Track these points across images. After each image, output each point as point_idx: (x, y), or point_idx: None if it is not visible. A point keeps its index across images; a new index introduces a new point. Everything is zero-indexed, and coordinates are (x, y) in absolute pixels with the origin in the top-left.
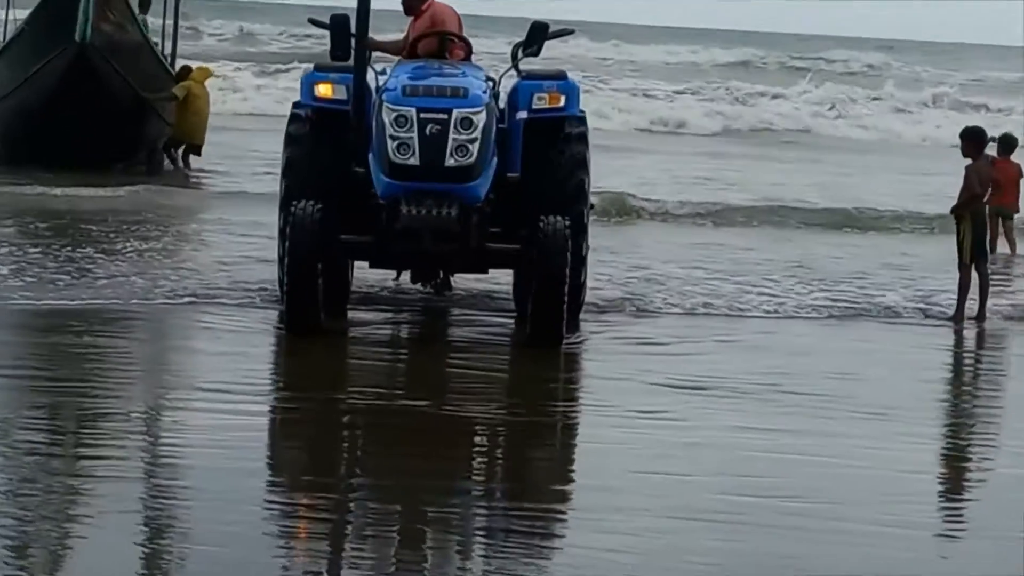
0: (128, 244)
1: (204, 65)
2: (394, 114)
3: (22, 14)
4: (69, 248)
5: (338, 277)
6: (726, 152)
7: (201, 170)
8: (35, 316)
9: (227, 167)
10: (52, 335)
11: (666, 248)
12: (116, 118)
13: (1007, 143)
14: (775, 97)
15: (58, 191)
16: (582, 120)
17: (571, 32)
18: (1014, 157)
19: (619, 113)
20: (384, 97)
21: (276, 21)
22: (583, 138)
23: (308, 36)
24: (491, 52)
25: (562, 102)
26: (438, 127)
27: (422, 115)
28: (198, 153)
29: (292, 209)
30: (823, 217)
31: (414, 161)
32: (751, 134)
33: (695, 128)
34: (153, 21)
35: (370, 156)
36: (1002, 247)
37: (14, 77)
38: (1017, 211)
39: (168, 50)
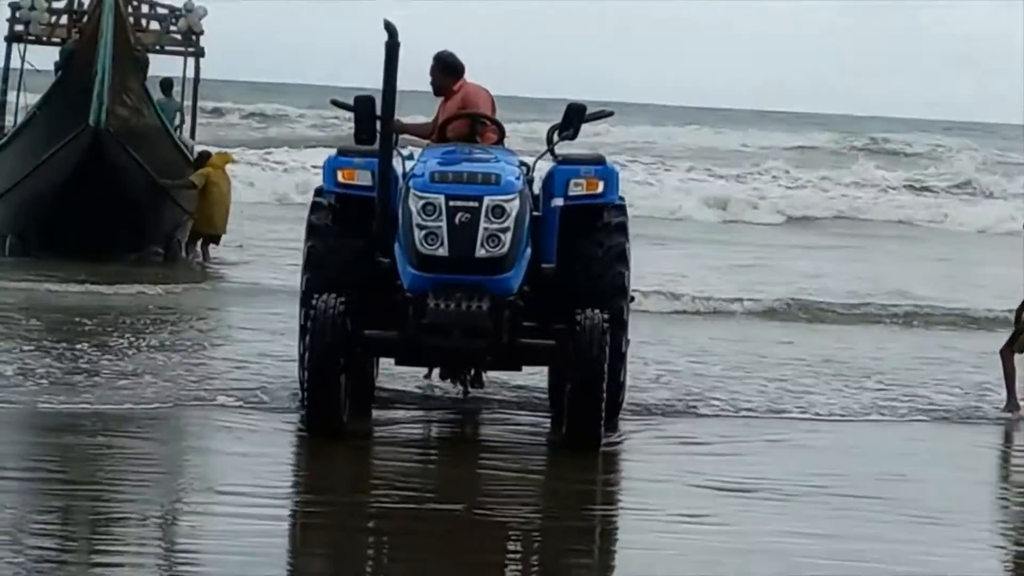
0: (142, 342)
1: (224, 151)
2: (422, 202)
3: (34, 98)
4: (82, 347)
5: (362, 374)
6: (786, 242)
7: (219, 260)
8: (47, 416)
9: (246, 257)
10: (65, 435)
11: (711, 343)
12: (131, 206)
13: None
14: (849, 185)
15: (73, 287)
16: (622, 207)
17: (610, 114)
18: None
19: (680, 196)
20: (411, 183)
21: (299, 103)
22: (623, 227)
23: (334, 118)
24: (527, 136)
25: (600, 188)
26: (468, 215)
27: (451, 203)
28: (216, 242)
29: (313, 303)
30: (872, 310)
31: (443, 252)
32: (814, 222)
33: (759, 217)
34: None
35: (396, 246)
36: None
37: (26, 163)
38: None
39: (187, 134)
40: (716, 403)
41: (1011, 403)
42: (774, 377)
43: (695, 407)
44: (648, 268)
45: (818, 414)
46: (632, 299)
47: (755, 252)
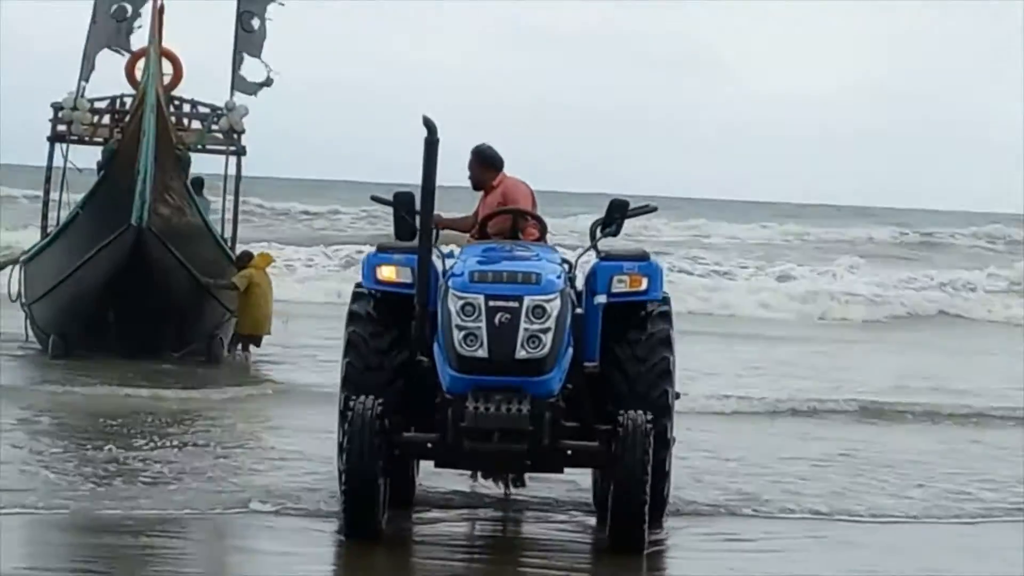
0: (181, 444)
1: (265, 251)
2: (461, 302)
3: (76, 197)
4: (120, 449)
5: (402, 475)
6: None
7: (261, 360)
8: (91, 518)
9: (286, 358)
10: (106, 536)
11: (755, 440)
12: (174, 305)
13: None
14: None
15: (113, 389)
16: (666, 305)
17: (653, 209)
18: None
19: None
20: (450, 283)
21: (344, 201)
22: (667, 325)
23: (376, 217)
24: (573, 230)
25: (644, 285)
26: (508, 316)
27: (491, 303)
28: (258, 344)
29: (351, 405)
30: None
31: (482, 353)
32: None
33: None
34: (214, 200)
35: (435, 346)
36: None
37: (69, 263)
38: None
39: (228, 232)
40: (762, 500)
41: None
42: (822, 474)
43: (740, 504)
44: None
45: (867, 513)
46: (678, 395)
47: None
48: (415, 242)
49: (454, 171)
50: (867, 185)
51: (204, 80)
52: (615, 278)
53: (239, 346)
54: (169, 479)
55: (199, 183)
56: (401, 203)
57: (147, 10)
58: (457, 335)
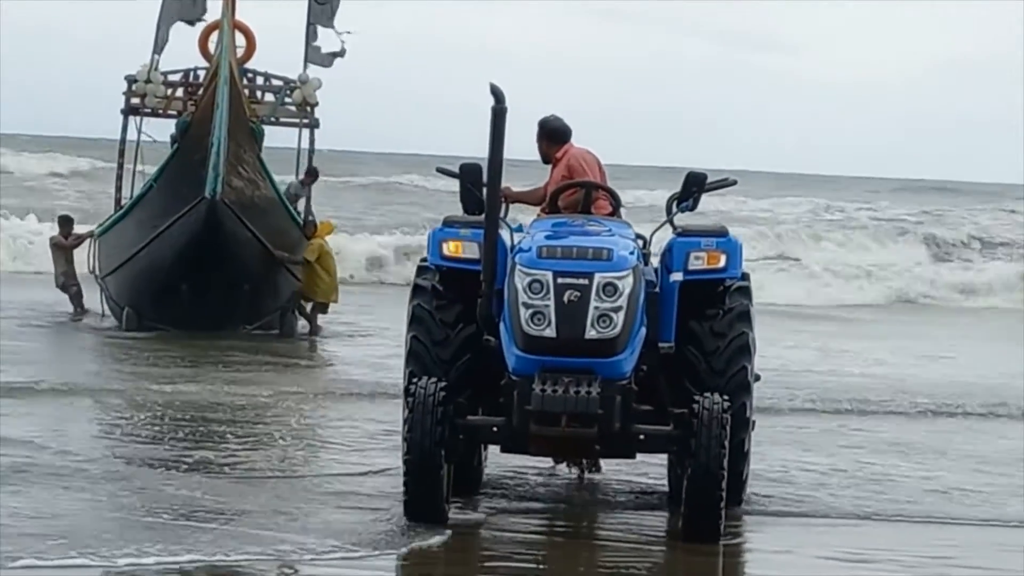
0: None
1: (326, 220)
2: (528, 279)
3: (150, 170)
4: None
5: (468, 458)
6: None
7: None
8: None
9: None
10: None
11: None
12: (247, 277)
13: None
14: None
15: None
16: (745, 282)
17: (733, 183)
18: None
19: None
20: (517, 258)
21: (422, 171)
22: (747, 300)
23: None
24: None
25: (722, 262)
26: (577, 294)
27: (559, 280)
28: (325, 311)
29: (413, 388)
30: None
31: (550, 332)
32: None
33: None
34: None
35: (501, 325)
36: None
37: (142, 235)
38: None
39: (301, 207)
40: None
41: None
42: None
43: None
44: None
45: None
46: (758, 377)
47: None
48: (483, 216)
49: (525, 144)
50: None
51: (277, 52)
52: (692, 255)
53: (309, 309)
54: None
55: (315, 173)
56: (468, 175)
57: None
58: (524, 313)
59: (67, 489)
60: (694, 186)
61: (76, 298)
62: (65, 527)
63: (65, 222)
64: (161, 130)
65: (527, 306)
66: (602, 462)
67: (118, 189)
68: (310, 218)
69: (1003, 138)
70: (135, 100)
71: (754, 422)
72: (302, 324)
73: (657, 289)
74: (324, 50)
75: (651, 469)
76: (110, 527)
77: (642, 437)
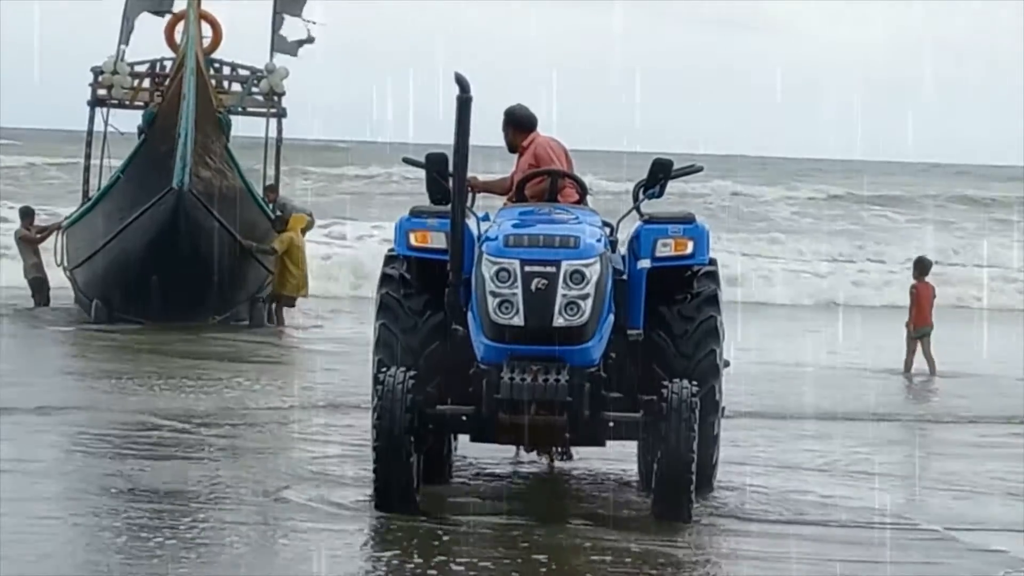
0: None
1: (300, 212)
2: (495, 267)
3: (117, 161)
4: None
5: (438, 447)
6: None
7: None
8: None
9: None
10: None
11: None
12: (216, 267)
13: (922, 266)
14: None
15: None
16: (713, 267)
17: (699, 169)
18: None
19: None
20: (485, 247)
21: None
22: (714, 284)
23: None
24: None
25: (690, 249)
26: (545, 282)
27: (527, 268)
28: (292, 304)
29: (381, 378)
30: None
31: (518, 321)
32: None
33: None
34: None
35: (469, 314)
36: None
37: (110, 227)
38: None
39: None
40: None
41: None
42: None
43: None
44: None
45: None
46: (727, 364)
47: None
48: (449, 206)
49: (488, 132)
50: None
51: (243, 42)
52: (659, 241)
53: (273, 305)
54: None
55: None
56: (434, 164)
57: None
58: (492, 302)
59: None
60: (660, 173)
61: (42, 290)
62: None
63: (26, 214)
64: (128, 121)
65: (495, 295)
66: (573, 450)
67: (86, 181)
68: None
69: (997, 119)
70: (101, 91)
71: (724, 408)
72: None
73: (625, 276)
74: (291, 39)
75: (621, 454)
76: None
77: (612, 424)
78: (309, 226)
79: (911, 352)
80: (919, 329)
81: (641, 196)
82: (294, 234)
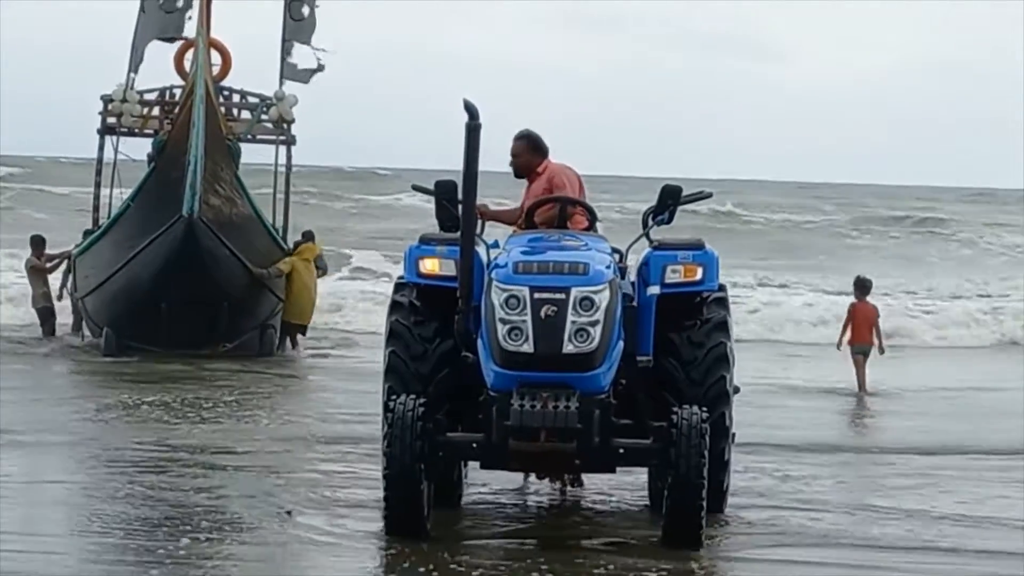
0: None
1: (311, 243)
2: (505, 294)
3: (127, 189)
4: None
5: (449, 474)
6: None
7: (313, 350)
8: None
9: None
10: None
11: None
12: (225, 295)
13: (862, 286)
14: None
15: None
16: (723, 293)
17: (708, 195)
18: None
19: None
20: (494, 274)
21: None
22: (724, 311)
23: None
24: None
25: (699, 275)
26: (554, 308)
27: (536, 295)
28: (303, 333)
29: (392, 406)
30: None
31: (527, 348)
32: None
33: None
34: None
35: (479, 342)
36: None
37: (120, 254)
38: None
39: (279, 222)
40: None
41: None
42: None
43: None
44: None
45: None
46: (737, 390)
47: None
48: (458, 233)
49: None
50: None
51: (253, 70)
52: (669, 268)
53: (287, 337)
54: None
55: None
56: (443, 192)
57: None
58: (501, 329)
59: None
60: (670, 199)
61: (49, 321)
62: None
63: (38, 243)
64: (138, 149)
65: (504, 322)
66: (584, 476)
67: (96, 209)
68: (299, 239)
69: (996, 141)
70: (111, 119)
71: (734, 434)
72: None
73: (634, 303)
74: (300, 67)
75: (631, 479)
76: None
77: (622, 451)
78: (320, 261)
79: (859, 368)
80: (857, 346)
81: (650, 222)
82: (297, 259)
